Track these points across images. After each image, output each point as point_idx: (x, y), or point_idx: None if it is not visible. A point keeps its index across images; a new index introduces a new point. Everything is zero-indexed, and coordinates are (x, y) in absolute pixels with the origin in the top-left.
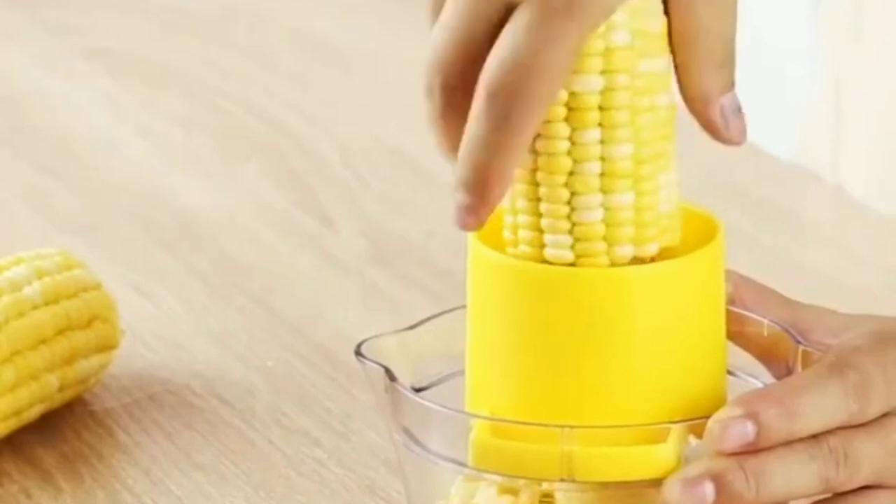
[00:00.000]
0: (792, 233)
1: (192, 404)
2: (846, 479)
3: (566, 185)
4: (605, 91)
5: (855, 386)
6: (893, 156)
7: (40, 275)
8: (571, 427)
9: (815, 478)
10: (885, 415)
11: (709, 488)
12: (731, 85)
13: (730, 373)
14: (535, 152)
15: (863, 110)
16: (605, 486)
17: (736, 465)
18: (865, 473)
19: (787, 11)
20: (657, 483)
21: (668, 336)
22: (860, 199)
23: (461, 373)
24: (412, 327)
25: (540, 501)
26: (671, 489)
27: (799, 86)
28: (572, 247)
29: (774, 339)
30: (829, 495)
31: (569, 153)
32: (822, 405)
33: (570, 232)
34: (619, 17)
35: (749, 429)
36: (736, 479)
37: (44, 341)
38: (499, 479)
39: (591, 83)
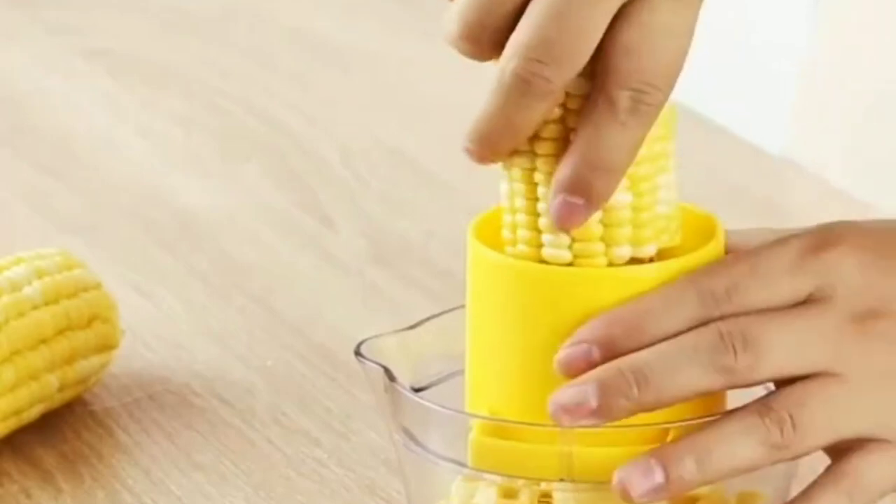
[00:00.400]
0: None
1: (192, 404)
2: (749, 367)
3: None
4: None
5: (708, 292)
6: (893, 155)
7: (40, 275)
8: (571, 427)
9: (709, 369)
10: (799, 304)
11: (591, 391)
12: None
13: None
14: (532, 153)
15: (862, 109)
16: (603, 486)
17: (615, 368)
18: (779, 360)
19: (786, 10)
20: None
21: None
22: (859, 198)
23: (461, 373)
24: (412, 327)
25: (539, 502)
26: (552, 398)
27: (797, 84)
28: (570, 247)
29: None
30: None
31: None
32: (667, 316)
33: (568, 232)
34: None
35: (591, 350)
36: (617, 382)
37: (44, 341)
38: (499, 479)
39: (586, 85)
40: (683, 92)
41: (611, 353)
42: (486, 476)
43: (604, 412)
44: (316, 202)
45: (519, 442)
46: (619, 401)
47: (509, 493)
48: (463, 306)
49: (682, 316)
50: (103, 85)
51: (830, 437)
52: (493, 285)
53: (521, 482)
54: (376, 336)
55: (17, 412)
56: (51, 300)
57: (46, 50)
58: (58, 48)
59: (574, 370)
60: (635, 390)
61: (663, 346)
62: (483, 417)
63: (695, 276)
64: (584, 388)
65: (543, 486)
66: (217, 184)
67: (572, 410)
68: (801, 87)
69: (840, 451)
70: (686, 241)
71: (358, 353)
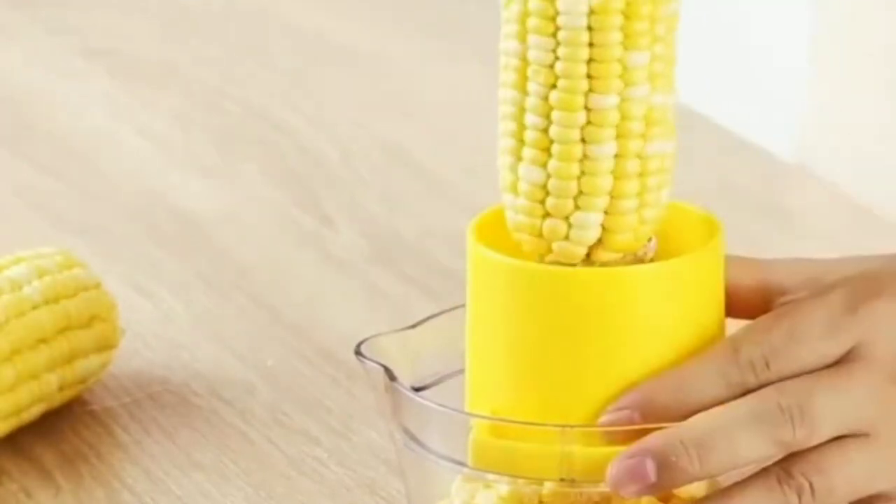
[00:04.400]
0: (792, 233)
1: (192, 404)
2: (805, 437)
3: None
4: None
5: (746, 360)
6: (894, 156)
7: (40, 274)
8: (571, 427)
9: (767, 440)
10: (843, 360)
11: (650, 465)
12: None
13: None
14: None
15: (864, 110)
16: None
17: (675, 439)
18: (830, 427)
19: (786, 10)
20: None
21: (667, 336)
22: (860, 199)
23: (461, 372)
24: (412, 326)
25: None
26: (611, 468)
27: (800, 85)
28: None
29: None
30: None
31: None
32: (709, 384)
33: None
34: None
35: (633, 416)
36: (676, 454)
37: (44, 340)
38: (500, 480)
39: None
40: (687, 92)
41: (653, 419)
42: (487, 476)
43: (665, 485)
44: (316, 202)
45: (519, 442)
46: (680, 475)
47: (509, 501)
48: (463, 306)
49: (723, 383)
50: (103, 84)
51: (852, 499)
52: (492, 285)
53: (521, 482)
54: (376, 335)
55: (17, 411)
56: (51, 300)
57: (46, 50)
58: (58, 48)
59: (614, 439)
60: (697, 464)
61: (718, 416)
62: (483, 417)
63: (733, 341)
64: (643, 462)
65: (546, 486)
66: (217, 184)
67: (630, 483)
68: (805, 90)
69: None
70: (686, 241)
71: (358, 352)
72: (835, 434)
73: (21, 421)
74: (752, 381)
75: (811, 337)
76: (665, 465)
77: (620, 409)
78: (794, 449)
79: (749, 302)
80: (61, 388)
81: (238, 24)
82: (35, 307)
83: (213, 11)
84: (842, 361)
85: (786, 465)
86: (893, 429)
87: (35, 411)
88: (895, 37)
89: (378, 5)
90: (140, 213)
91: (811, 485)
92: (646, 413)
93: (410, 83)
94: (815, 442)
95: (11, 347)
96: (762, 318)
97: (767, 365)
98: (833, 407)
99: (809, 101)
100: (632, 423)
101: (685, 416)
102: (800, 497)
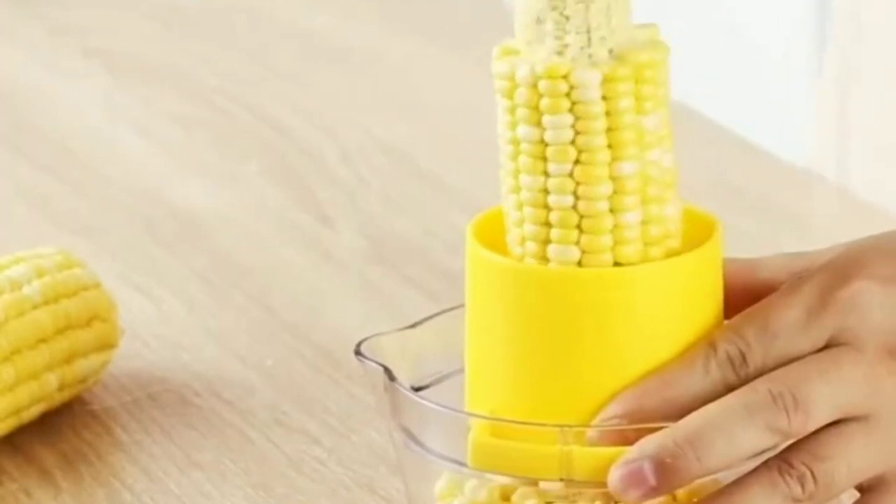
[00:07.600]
0: (794, 233)
1: (192, 403)
2: (801, 425)
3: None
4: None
5: (724, 358)
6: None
7: (40, 274)
8: (571, 427)
9: (764, 430)
10: (828, 346)
11: (648, 469)
12: None
13: None
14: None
15: (867, 110)
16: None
17: (670, 440)
18: (825, 412)
19: (791, 10)
20: None
21: (667, 335)
22: (864, 199)
23: (461, 372)
24: (412, 326)
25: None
26: (611, 475)
27: (803, 86)
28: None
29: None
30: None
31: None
32: (693, 384)
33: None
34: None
35: (622, 424)
36: (673, 454)
37: (43, 340)
38: (499, 480)
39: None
40: (688, 93)
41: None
42: (487, 476)
43: (666, 487)
44: (315, 202)
45: (519, 442)
46: (680, 475)
47: (504, 494)
48: (462, 306)
49: (706, 382)
50: (102, 84)
51: (854, 483)
52: (491, 285)
53: (520, 482)
54: (376, 335)
55: (16, 411)
56: (50, 299)
57: (46, 49)
58: (57, 47)
59: (608, 444)
60: (696, 462)
61: (712, 411)
62: (483, 417)
63: (711, 340)
64: (640, 467)
65: (545, 485)
66: (217, 184)
67: (631, 488)
68: (809, 91)
69: (864, 489)
70: (686, 241)
71: (358, 352)
72: (831, 419)
73: (21, 421)
74: (731, 377)
75: (785, 329)
76: (662, 466)
77: (609, 418)
78: (792, 437)
79: (740, 302)
80: (61, 388)
81: (238, 24)
82: (35, 307)
83: (213, 11)
84: (827, 347)
85: (785, 455)
86: (889, 410)
87: (35, 411)
88: None
89: (378, 5)
90: (140, 213)
91: (812, 472)
92: (635, 420)
93: (410, 83)
94: (811, 428)
95: (11, 347)
96: (740, 315)
97: (745, 360)
98: (825, 391)
99: (811, 101)
100: (623, 432)
101: (674, 418)
102: (802, 486)
